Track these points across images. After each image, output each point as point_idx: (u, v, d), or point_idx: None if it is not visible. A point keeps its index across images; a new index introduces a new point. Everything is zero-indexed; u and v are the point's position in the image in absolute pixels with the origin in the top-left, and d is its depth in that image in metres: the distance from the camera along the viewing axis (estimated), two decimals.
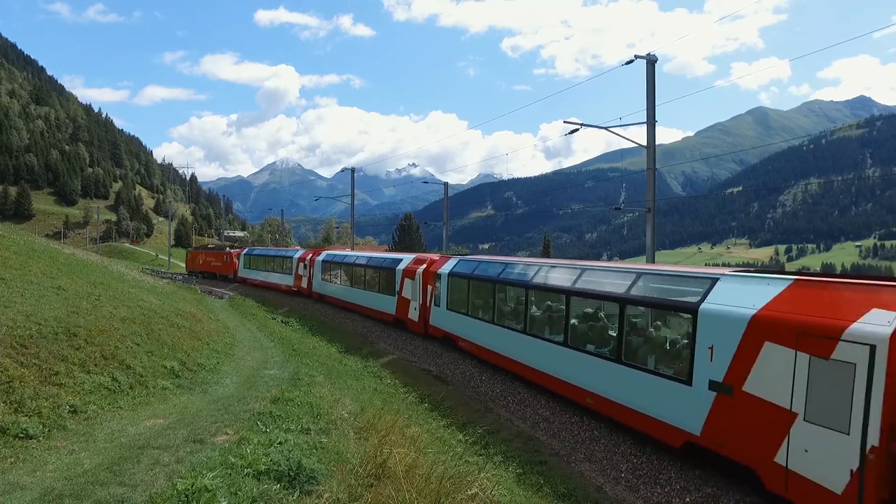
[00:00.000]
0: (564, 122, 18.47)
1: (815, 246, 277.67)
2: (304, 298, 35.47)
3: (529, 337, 14.01)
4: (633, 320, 11.36)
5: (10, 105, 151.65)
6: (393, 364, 18.71)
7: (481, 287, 17.09)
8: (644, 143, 17.37)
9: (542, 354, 13.40)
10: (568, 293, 12.63)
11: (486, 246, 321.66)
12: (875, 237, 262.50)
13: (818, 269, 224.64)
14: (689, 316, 9.36)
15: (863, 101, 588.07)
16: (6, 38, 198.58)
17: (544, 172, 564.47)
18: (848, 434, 6.73)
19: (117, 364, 9.76)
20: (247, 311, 28.23)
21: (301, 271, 36.17)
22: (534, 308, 14.56)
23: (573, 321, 12.71)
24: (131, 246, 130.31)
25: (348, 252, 33.95)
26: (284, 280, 38.98)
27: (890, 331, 6.52)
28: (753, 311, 8.17)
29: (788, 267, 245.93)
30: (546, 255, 67.44)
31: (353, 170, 44.33)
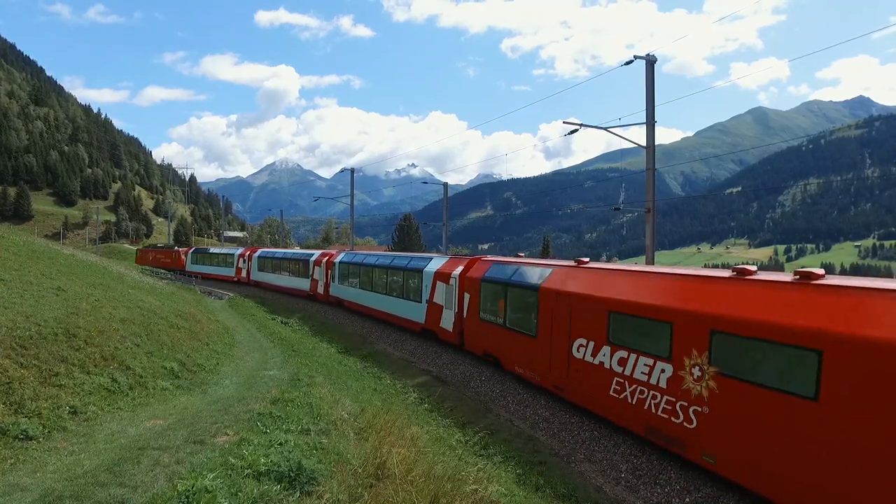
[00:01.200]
0: (564, 122, 18.46)
1: (814, 246, 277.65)
2: (245, 286, 44.28)
3: (373, 293, 25.99)
4: (408, 279, 22.40)
5: (10, 106, 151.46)
6: (393, 364, 18.71)
7: (354, 269, 28.59)
8: (643, 143, 17.38)
9: (379, 301, 25.31)
10: (386, 269, 24.84)
11: (486, 246, 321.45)
12: (874, 237, 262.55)
13: (816, 269, 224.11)
14: (420, 273, 21.22)
15: (862, 102, 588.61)
16: (5, 39, 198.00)
17: (544, 173, 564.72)
18: (453, 310, 18.44)
19: (117, 365, 9.76)
20: (246, 312, 28.22)
21: (241, 265, 46.09)
22: (375, 278, 26.01)
23: (388, 283, 24.44)
24: (131, 247, 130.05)
25: (276, 249, 47.86)
26: (227, 272, 48.81)
27: (459, 272, 18.17)
28: (436, 269, 19.99)
29: (788, 268, 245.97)
30: (545, 255, 67.48)
31: (352, 170, 44.36)
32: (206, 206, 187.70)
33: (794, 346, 7.14)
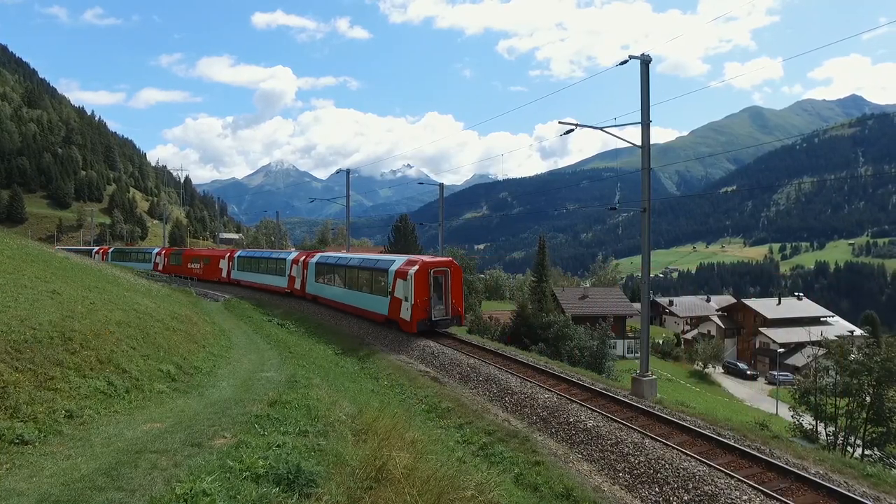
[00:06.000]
0: (560, 122, 18.43)
1: (808, 244, 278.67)
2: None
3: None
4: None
5: (2, 108, 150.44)
6: (390, 366, 18.70)
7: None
8: (639, 142, 17.42)
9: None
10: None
11: (482, 246, 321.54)
12: (867, 235, 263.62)
13: (812, 267, 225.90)
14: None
15: (855, 100, 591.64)
16: None
17: (539, 172, 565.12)
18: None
19: (113, 368, 9.71)
20: (242, 314, 28.14)
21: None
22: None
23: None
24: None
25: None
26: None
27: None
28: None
29: (783, 266, 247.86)
30: (542, 256, 67.36)
31: (347, 171, 44.26)
32: (202, 207, 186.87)
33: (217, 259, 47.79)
